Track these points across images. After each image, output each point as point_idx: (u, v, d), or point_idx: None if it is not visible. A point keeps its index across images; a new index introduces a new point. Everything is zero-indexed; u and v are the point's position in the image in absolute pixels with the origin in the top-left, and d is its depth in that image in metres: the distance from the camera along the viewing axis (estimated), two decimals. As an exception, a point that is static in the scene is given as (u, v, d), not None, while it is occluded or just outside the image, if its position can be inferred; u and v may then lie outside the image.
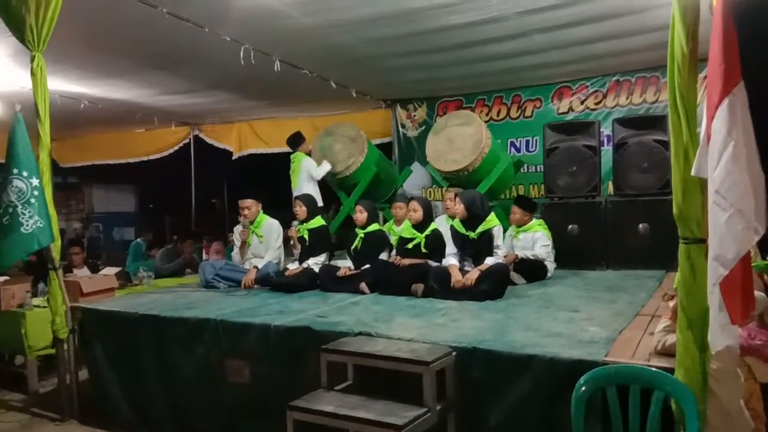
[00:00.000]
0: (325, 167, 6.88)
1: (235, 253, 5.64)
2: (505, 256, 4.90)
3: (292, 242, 5.80)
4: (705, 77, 2.47)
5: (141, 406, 4.14)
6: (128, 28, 5.04)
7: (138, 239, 8.88)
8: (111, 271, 5.80)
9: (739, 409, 2.44)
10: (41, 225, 4.11)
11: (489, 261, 4.51)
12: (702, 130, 2.20)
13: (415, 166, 8.27)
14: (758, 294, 2.95)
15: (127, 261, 8.00)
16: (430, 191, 8.39)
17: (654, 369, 2.45)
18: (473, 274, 4.36)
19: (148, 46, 5.57)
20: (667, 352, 2.57)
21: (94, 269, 6.77)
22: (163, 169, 10.83)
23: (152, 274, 6.25)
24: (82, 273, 6.36)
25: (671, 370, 2.40)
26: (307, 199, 5.46)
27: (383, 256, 5.05)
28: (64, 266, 6.13)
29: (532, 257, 5.25)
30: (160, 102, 7.97)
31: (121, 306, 4.45)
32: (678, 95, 2.27)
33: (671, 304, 2.80)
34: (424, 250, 4.80)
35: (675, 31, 2.27)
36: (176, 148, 10.14)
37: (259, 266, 5.23)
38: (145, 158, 10.44)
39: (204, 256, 7.96)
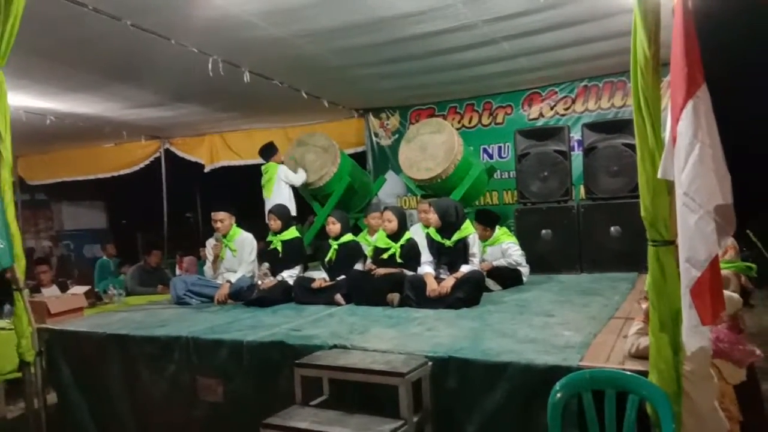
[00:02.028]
0: (302, 174, 6.83)
1: (208, 267, 5.53)
2: (481, 262, 4.90)
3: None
4: (669, 82, 2.49)
5: (110, 430, 4.01)
6: (92, 41, 4.94)
7: (103, 257, 8.69)
8: (80, 290, 5.64)
9: (713, 410, 2.45)
10: (1, 246, 3.97)
11: (464, 268, 4.49)
12: (667, 133, 2.22)
13: (390, 175, 8.26)
14: (729, 294, 2.98)
15: (95, 280, 7.81)
16: (404, 200, 8.38)
17: (628, 373, 2.44)
18: (448, 282, 4.34)
19: (114, 58, 5.47)
20: (641, 355, 2.58)
21: (63, 288, 6.59)
22: (134, 184, 10.64)
23: (122, 291, 6.10)
24: (50, 292, 6.17)
25: (645, 373, 2.40)
26: (280, 211, 5.39)
27: (358, 266, 5.01)
28: (32, 286, 5.98)
29: (507, 265, 5.26)
30: (129, 116, 7.83)
31: (88, 326, 4.32)
32: (642, 99, 2.29)
33: (644, 306, 2.81)
34: (399, 260, 4.78)
35: (637, 35, 2.29)
36: (147, 162, 9.97)
37: (233, 280, 5.14)
38: (115, 173, 10.24)
39: (177, 272, 7.83)
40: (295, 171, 6.88)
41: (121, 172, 10.19)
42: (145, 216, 11.92)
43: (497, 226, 5.53)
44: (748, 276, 3.74)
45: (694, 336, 2.19)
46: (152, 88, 6.59)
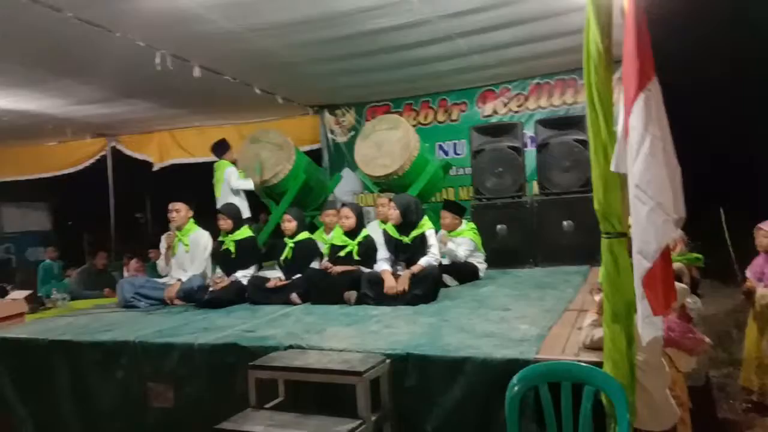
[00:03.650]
0: (248, 183, 6.64)
1: (160, 260, 5.35)
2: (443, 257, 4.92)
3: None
4: (620, 78, 2.53)
5: (56, 441, 3.82)
6: (32, 34, 4.72)
7: (46, 260, 8.32)
8: (20, 294, 5.40)
9: (665, 399, 2.50)
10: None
11: (422, 261, 4.49)
12: (619, 126, 2.24)
13: (346, 172, 8.19)
14: (679, 286, 3.06)
15: (38, 284, 7.47)
16: (361, 197, 8.32)
17: (583, 364, 2.47)
18: (404, 278, 4.33)
19: (56, 53, 5.23)
20: (595, 346, 2.61)
21: (3, 293, 6.27)
22: (79, 184, 10.23)
23: (67, 296, 5.85)
24: (-13, 299, 5.88)
25: (600, 364, 2.42)
26: (230, 210, 5.24)
27: (314, 265, 4.93)
28: (-34, 293, 5.66)
29: (455, 260, 5.26)
30: (73, 112, 7.50)
31: (29, 332, 4.11)
32: (595, 93, 2.30)
33: (597, 298, 2.85)
34: (356, 258, 4.73)
35: (590, 30, 2.31)
36: (92, 160, 9.58)
37: (183, 279, 4.98)
38: (58, 173, 9.81)
39: (125, 274, 7.56)
40: (246, 173, 6.69)
41: (66, 171, 9.76)
42: (91, 217, 11.49)
43: (464, 221, 5.55)
44: (696, 267, 3.86)
45: (648, 326, 2.22)
46: (97, 83, 6.33)
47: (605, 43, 2.26)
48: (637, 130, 2.08)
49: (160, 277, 5.34)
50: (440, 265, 5.02)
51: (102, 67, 5.74)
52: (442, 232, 5.50)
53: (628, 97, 2.13)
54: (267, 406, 2.89)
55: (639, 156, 2.06)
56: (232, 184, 6.55)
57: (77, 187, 10.50)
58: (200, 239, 5.22)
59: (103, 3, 4.26)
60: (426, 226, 4.60)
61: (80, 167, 9.66)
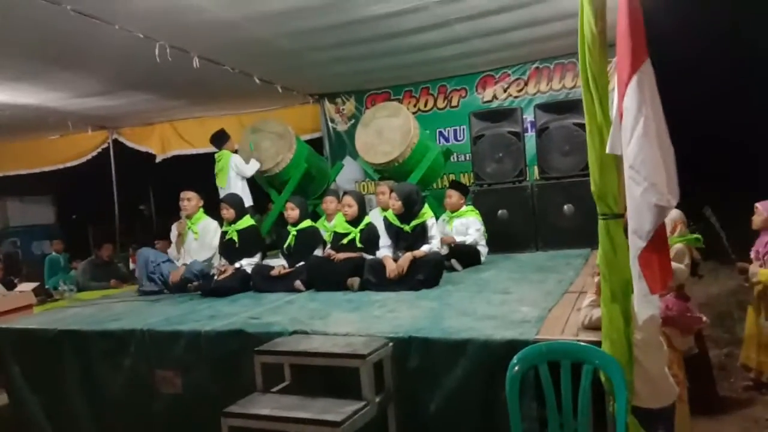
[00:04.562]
0: (255, 165, 6.72)
1: (172, 248, 5.48)
2: (442, 239, 4.95)
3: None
4: (616, 63, 2.55)
5: (67, 429, 3.89)
6: (31, 28, 4.72)
7: (53, 252, 8.39)
8: (27, 287, 5.48)
9: (663, 377, 2.55)
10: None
11: (424, 248, 4.53)
12: (614, 109, 2.27)
13: (347, 161, 8.20)
14: (676, 266, 3.10)
15: (45, 277, 7.55)
16: (363, 185, 8.36)
17: (582, 343, 2.52)
18: (405, 260, 4.37)
19: (55, 46, 5.24)
20: (594, 326, 2.65)
21: (10, 286, 6.35)
22: (82, 177, 10.27)
23: (74, 287, 5.93)
24: (-4, 291, 5.96)
25: (598, 343, 2.47)
26: (233, 200, 5.29)
27: (317, 252, 4.98)
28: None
29: (466, 243, 5.32)
30: (74, 105, 7.52)
31: (38, 323, 4.18)
32: (590, 76, 2.33)
33: (596, 279, 2.89)
34: (359, 245, 4.77)
35: (584, 13, 2.32)
36: (94, 153, 9.60)
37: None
38: (61, 166, 9.85)
39: (131, 265, 7.64)
40: (247, 160, 6.75)
41: (68, 165, 9.79)
42: (95, 209, 11.55)
43: (465, 205, 5.59)
44: (696, 248, 3.89)
45: (645, 305, 2.27)
46: (97, 75, 6.34)
47: (599, 25, 2.28)
48: (630, 111, 2.10)
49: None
50: (448, 247, 5.08)
51: (101, 60, 5.75)
52: (443, 217, 5.55)
53: (622, 80, 2.16)
54: (273, 390, 2.95)
55: (633, 137, 2.09)
56: (241, 170, 6.60)
57: (80, 180, 10.54)
58: (208, 227, 5.32)
59: (101, -5, 4.28)
60: (427, 215, 4.64)
61: (83, 160, 9.69)
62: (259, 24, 5.13)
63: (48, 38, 5.01)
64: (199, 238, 5.27)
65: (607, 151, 2.27)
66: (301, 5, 4.76)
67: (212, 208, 5.52)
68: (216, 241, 5.28)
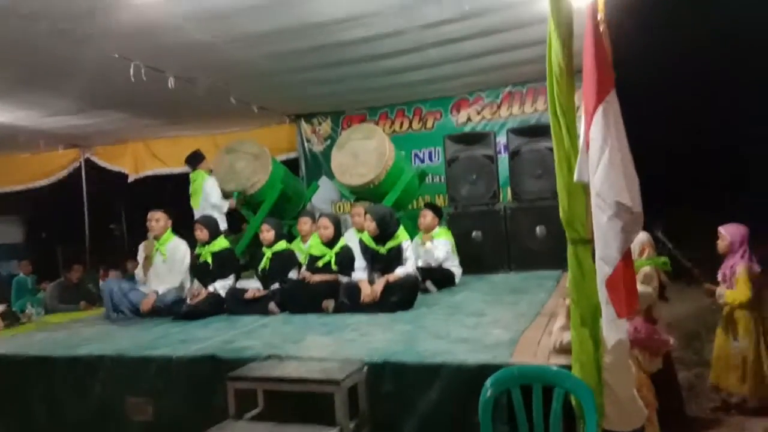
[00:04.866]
0: (224, 205, 6.62)
1: (138, 270, 5.34)
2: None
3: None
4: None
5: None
6: (6, 46, 4.67)
7: (20, 274, 8.19)
8: (-6, 310, 5.33)
9: (632, 399, 2.59)
10: None
11: (399, 271, 4.55)
12: (581, 138, 2.34)
13: (323, 181, 8.24)
14: (643, 288, 3.17)
15: (12, 299, 7.35)
16: (339, 205, 8.37)
17: (553, 367, 2.55)
18: (379, 285, 4.40)
19: (29, 64, 5.19)
20: (565, 350, 2.70)
21: (-25, 309, 6.17)
22: (52, 196, 10.08)
23: (41, 310, 5.79)
24: (-41, 315, 5.79)
25: (569, 367, 2.51)
26: (207, 221, 5.24)
27: (292, 274, 4.96)
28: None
29: (434, 263, 5.35)
30: (45, 124, 7.41)
31: (5, 348, 4.07)
32: (558, 105, 2.41)
33: (567, 302, 2.95)
34: (334, 267, 4.77)
35: (552, 46, 2.41)
36: (65, 172, 9.46)
37: (160, 291, 4.97)
38: (30, 185, 9.67)
39: (101, 285, 7.49)
40: (224, 183, 6.68)
41: (38, 184, 9.63)
42: (65, 229, 11.31)
43: (438, 227, 5.64)
44: (664, 271, 3.99)
45: (613, 329, 2.32)
46: (70, 94, 6.28)
47: (566, 58, 2.35)
48: (596, 141, 2.18)
49: (136, 287, 5.31)
50: (421, 269, 5.10)
51: (75, 79, 5.70)
52: (416, 239, 5.59)
53: (588, 110, 2.23)
54: (246, 416, 2.92)
55: (599, 166, 2.16)
56: (212, 200, 6.52)
57: (50, 200, 10.34)
58: (178, 249, 5.22)
59: (77, 15, 4.24)
60: (402, 237, 4.68)
61: (53, 179, 9.54)
62: (235, 46, 5.15)
63: (22, 56, 4.96)
64: (167, 261, 5.17)
65: (575, 179, 2.34)
66: (278, 28, 4.80)
67: (184, 227, 5.46)
68: (186, 265, 5.21)
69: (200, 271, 5.10)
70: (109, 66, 5.20)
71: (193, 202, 6.65)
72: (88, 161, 9.41)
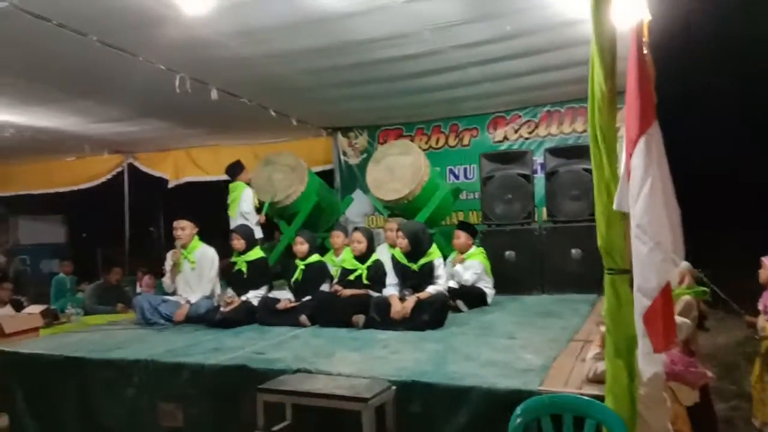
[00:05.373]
0: (254, 217, 6.70)
1: (166, 278, 5.41)
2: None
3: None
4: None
5: (65, 457, 3.88)
6: (59, 57, 4.86)
7: (60, 274, 8.44)
8: (36, 308, 5.51)
9: (666, 433, 2.53)
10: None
11: (431, 289, 4.54)
12: (621, 166, 2.31)
13: (357, 194, 8.28)
14: (681, 320, 3.10)
15: (51, 297, 7.58)
16: (372, 218, 8.41)
17: (586, 398, 2.51)
18: (410, 302, 4.39)
19: (79, 74, 5.39)
20: (598, 380, 2.64)
21: (19, 307, 6.39)
22: (94, 198, 10.38)
23: (80, 310, 5.96)
24: (5, 311, 6.00)
25: (602, 398, 2.46)
26: (244, 231, 5.34)
27: (324, 287, 5.00)
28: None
29: (464, 284, 5.32)
30: (92, 130, 7.68)
31: (43, 348, 4.20)
32: (599, 132, 2.38)
33: (602, 329, 2.89)
34: (365, 281, 4.80)
35: (594, 72, 2.38)
36: (109, 176, 9.76)
37: (192, 300, 5.06)
38: (75, 187, 9.99)
39: (137, 288, 7.68)
40: (262, 192, 6.79)
41: (82, 186, 9.95)
42: (105, 231, 11.63)
43: (474, 245, 5.62)
44: (704, 300, 3.88)
45: (649, 362, 2.27)
46: (117, 103, 6.49)
47: (609, 84, 2.33)
48: (638, 171, 2.14)
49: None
50: (452, 289, 5.08)
51: (123, 89, 5.89)
52: (450, 258, 5.58)
53: (630, 139, 2.20)
54: (274, 429, 2.95)
55: (640, 197, 2.12)
56: (244, 208, 6.62)
57: (92, 201, 10.64)
58: (206, 256, 5.30)
59: (127, 29, 4.40)
60: (434, 255, 4.66)
61: (97, 182, 9.84)
62: (276, 61, 5.26)
63: (73, 67, 5.15)
64: (196, 267, 5.25)
65: (614, 207, 2.31)
66: (318, 46, 4.88)
67: (219, 234, 5.53)
68: (215, 272, 5.29)
69: (235, 280, 5.18)
70: (155, 77, 5.36)
71: (230, 211, 6.77)
72: (130, 166, 9.69)
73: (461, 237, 5.55)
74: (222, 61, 5.14)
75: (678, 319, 2.74)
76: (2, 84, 5.51)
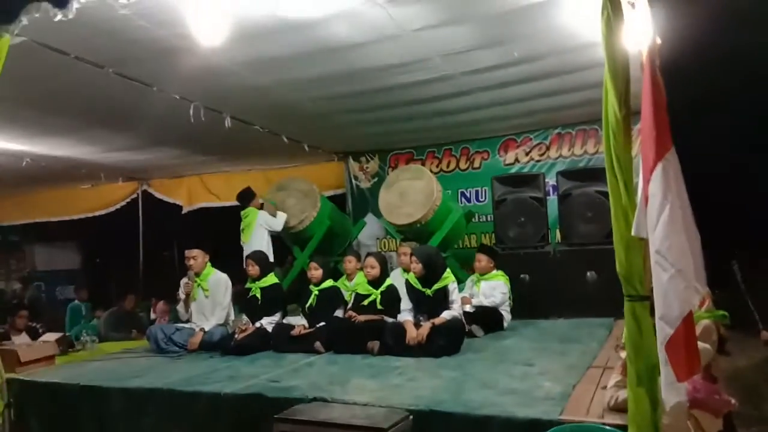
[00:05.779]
0: (282, 216, 6.80)
1: (180, 307, 5.41)
2: (462, 299, 4.98)
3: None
4: (639, 129, 2.61)
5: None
6: (75, 88, 4.96)
7: (75, 300, 8.48)
8: (51, 336, 5.52)
9: (690, 462, 2.47)
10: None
11: (445, 315, 4.51)
12: (639, 192, 2.30)
13: (369, 218, 8.28)
14: (702, 346, 3.04)
15: (66, 324, 7.61)
16: (384, 242, 8.41)
17: (608, 428, 2.46)
18: (425, 328, 4.36)
19: (95, 104, 5.48)
20: (620, 408, 2.60)
21: (34, 334, 6.41)
22: (109, 225, 10.47)
23: (96, 338, 5.96)
24: (20, 339, 6.03)
25: (625, 427, 2.42)
26: (259, 257, 5.36)
27: (338, 313, 4.99)
28: (1, 333, 5.79)
29: (490, 305, 5.29)
30: (107, 158, 7.79)
31: (60, 377, 4.21)
32: (614, 158, 2.38)
33: (622, 354, 2.85)
34: (379, 306, 4.78)
35: (608, 98, 2.39)
36: (123, 203, 9.87)
37: (206, 329, 5.06)
38: (90, 215, 10.11)
39: (152, 315, 7.70)
40: (274, 214, 6.87)
41: (97, 214, 10.05)
42: (120, 257, 11.71)
43: (494, 268, 5.61)
44: (723, 324, 3.82)
45: (671, 392, 2.23)
46: (132, 132, 6.58)
47: (623, 111, 2.33)
48: (656, 197, 2.13)
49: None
50: (467, 314, 5.04)
51: (138, 118, 5.98)
52: (472, 278, 5.56)
53: (647, 166, 2.20)
54: (290, 460, 2.92)
55: (659, 223, 2.11)
56: (271, 225, 6.65)
57: (106, 227, 10.73)
58: (219, 283, 5.31)
59: (142, 60, 4.47)
60: (448, 279, 4.64)
61: (111, 209, 9.94)
62: (288, 89, 5.33)
63: (90, 98, 5.25)
64: (210, 295, 5.26)
65: (633, 233, 2.29)
66: (329, 74, 4.94)
67: (231, 260, 5.52)
68: (228, 298, 5.29)
69: (249, 306, 5.18)
70: (170, 106, 5.44)
71: (243, 238, 6.79)
72: (144, 193, 9.79)
73: (482, 260, 5.54)
74: (235, 90, 5.22)
75: (699, 344, 2.69)
76: (21, 116, 5.62)
